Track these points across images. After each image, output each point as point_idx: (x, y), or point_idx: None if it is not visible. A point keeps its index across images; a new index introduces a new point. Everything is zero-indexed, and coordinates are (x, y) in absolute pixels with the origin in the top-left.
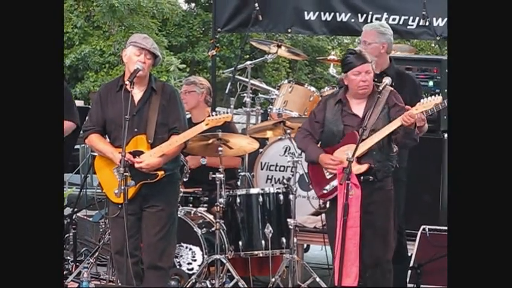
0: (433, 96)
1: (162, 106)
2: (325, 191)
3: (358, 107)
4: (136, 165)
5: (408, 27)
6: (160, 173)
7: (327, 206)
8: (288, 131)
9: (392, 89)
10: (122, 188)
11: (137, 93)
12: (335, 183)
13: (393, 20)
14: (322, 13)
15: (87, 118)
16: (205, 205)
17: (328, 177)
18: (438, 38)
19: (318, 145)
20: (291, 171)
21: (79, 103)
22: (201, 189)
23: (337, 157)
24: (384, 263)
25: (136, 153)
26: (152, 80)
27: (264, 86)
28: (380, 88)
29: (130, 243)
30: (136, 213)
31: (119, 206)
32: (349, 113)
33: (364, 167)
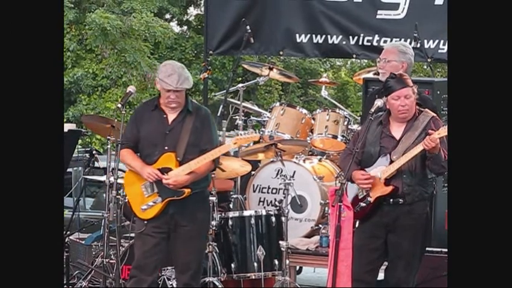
0: None
1: (195, 127)
2: (357, 210)
3: (398, 130)
4: (164, 181)
5: None
6: (187, 191)
7: (357, 225)
8: (280, 153)
9: (434, 115)
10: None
11: (172, 114)
12: (364, 203)
13: (385, 42)
14: (314, 35)
15: (122, 133)
16: None
17: (360, 196)
18: (429, 60)
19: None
20: (283, 194)
21: (72, 126)
22: None
23: (367, 172)
24: (404, 285)
25: (165, 170)
26: (188, 102)
27: (256, 108)
28: (372, 110)
29: (152, 261)
30: (163, 232)
31: (145, 222)
32: (387, 134)
33: (389, 189)
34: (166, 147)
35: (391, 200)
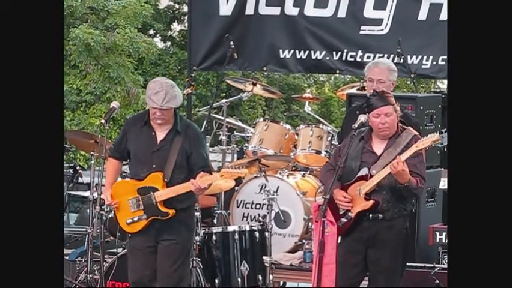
0: (430, 134)
1: (183, 149)
2: (338, 226)
3: (379, 146)
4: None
5: None
6: (172, 212)
7: (339, 240)
8: (264, 169)
9: (417, 133)
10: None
11: (161, 132)
12: (345, 218)
13: (368, 57)
14: (297, 51)
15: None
16: None
17: (341, 212)
18: (413, 76)
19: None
20: (267, 209)
21: None
22: None
23: (348, 195)
24: None
25: (151, 190)
26: (177, 121)
27: (239, 124)
28: (355, 125)
29: (147, 275)
30: (151, 246)
31: (129, 235)
32: (369, 150)
33: (369, 204)
34: (154, 166)
35: (370, 215)
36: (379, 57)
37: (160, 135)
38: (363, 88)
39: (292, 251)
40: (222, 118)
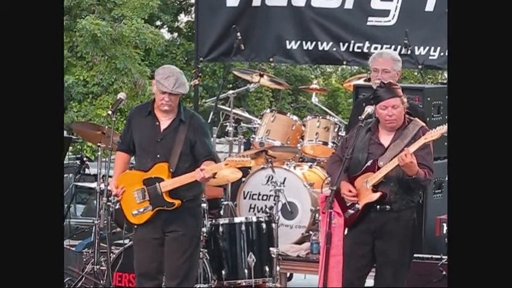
0: (439, 127)
1: (188, 138)
2: (346, 217)
3: (386, 137)
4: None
5: None
6: (177, 202)
7: (346, 232)
8: (271, 160)
9: (424, 124)
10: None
11: (165, 121)
12: (352, 210)
13: (375, 48)
14: (304, 42)
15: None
16: None
17: (348, 204)
18: (420, 67)
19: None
20: (274, 200)
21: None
22: None
23: (354, 188)
24: None
25: (157, 180)
26: (181, 111)
27: (246, 115)
28: (362, 117)
29: (153, 267)
30: (158, 238)
31: (135, 226)
32: (376, 141)
33: (377, 195)
34: (158, 156)
35: (378, 206)
36: (386, 48)
37: (164, 124)
38: (370, 79)
39: (299, 242)
40: (229, 109)
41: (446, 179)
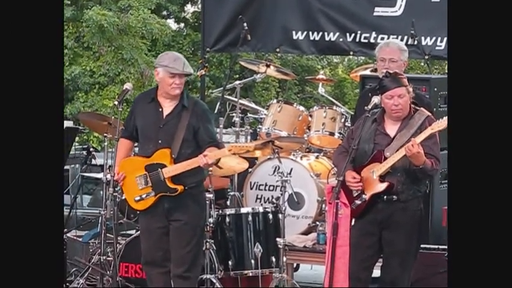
0: (446, 117)
1: (190, 124)
2: (352, 208)
3: (392, 128)
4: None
5: None
6: (180, 188)
7: (353, 223)
8: (277, 151)
9: (430, 114)
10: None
11: (168, 107)
12: (359, 201)
13: (382, 39)
14: (310, 32)
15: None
16: None
17: (355, 195)
18: (426, 57)
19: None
20: (280, 191)
21: (69, 123)
22: None
23: (357, 175)
24: (400, 282)
25: (159, 166)
26: (184, 97)
27: (253, 105)
28: (369, 107)
29: (160, 255)
30: (163, 227)
31: (138, 212)
32: (381, 132)
33: (384, 186)
34: (159, 141)
35: (385, 197)
36: (393, 38)
37: (167, 110)
38: (376, 70)
39: (306, 232)
40: (236, 100)
41: None
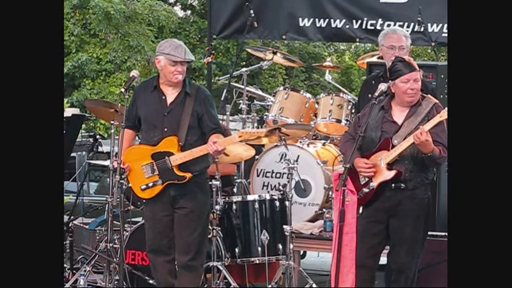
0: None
1: (195, 111)
2: (360, 196)
3: (400, 115)
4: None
5: None
6: (188, 175)
7: (360, 211)
8: (284, 138)
9: (437, 101)
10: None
11: (171, 95)
12: (367, 188)
13: (388, 25)
14: (317, 19)
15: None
16: None
17: (362, 182)
18: (433, 44)
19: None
20: (287, 178)
21: (76, 110)
22: None
23: (369, 162)
24: (407, 270)
25: (166, 154)
26: (186, 84)
27: (259, 92)
28: (376, 94)
29: (164, 243)
30: (168, 215)
31: (144, 200)
32: (389, 119)
33: (392, 174)
34: (165, 129)
35: (393, 185)
36: (399, 25)
37: (170, 98)
38: (382, 57)
39: (313, 220)
40: (242, 87)
41: None
